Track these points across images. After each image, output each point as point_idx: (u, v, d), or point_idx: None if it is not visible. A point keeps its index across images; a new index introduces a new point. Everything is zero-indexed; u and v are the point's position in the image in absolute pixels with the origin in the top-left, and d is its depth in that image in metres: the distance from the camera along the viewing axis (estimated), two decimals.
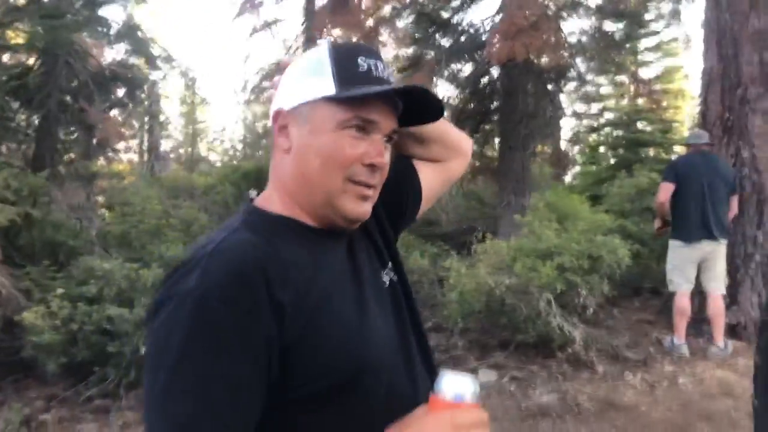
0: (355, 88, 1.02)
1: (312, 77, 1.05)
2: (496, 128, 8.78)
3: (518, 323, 5.18)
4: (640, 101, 10.25)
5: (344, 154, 1.02)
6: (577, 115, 11.52)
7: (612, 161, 9.35)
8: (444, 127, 1.32)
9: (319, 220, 1.08)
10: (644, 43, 11.11)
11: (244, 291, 0.92)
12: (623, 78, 10.65)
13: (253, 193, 1.15)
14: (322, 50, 1.07)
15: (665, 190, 5.51)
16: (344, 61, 1.04)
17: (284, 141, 1.07)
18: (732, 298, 5.74)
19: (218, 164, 18.23)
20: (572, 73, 8.34)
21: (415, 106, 1.10)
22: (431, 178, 1.32)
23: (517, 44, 6.60)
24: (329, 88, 1.03)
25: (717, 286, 5.42)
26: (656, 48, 11.83)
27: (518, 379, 5.18)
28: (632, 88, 10.73)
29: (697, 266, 5.39)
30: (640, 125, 9.33)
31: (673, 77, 12.70)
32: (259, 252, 0.96)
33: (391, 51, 10.07)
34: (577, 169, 11.26)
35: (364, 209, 1.07)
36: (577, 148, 11.77)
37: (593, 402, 4.73)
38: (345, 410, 0.98)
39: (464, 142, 1.38)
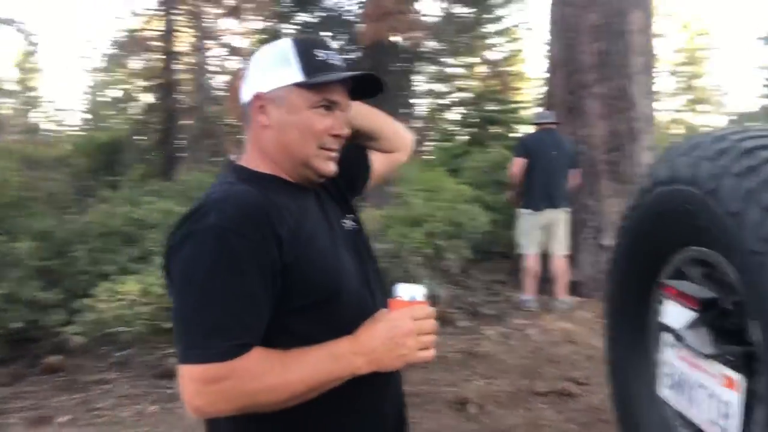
0: (318, 75, 1.30)
1: (281, 67, 1.32)
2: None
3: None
4: (490, 82, 11.03)
5: (316, 128, 1.31)
6: (433, 94, 12.15)
7: (466, 138, 10.08)
8: (392, 127, 1.65)
9: (295, 177, 1.36)
10: (492, 27, 11.94)
11: (253, 226, 1.19)
12: (475, 60, 11.39)
13: (233, 157, 1.41)
14: (285, 45, 1.35)
15: (517, 164, 6.14)
16: (305, 54, 1.32)
17: (264, 118, 1.33)
18: (572, 259, 6.51)
19: (61, 134, 17.15)
20: (429, 54, 8.82)
21: (363, 85, 1.39)
22: (379, 165, 1.64)
23: (383, 26, 6.94)
24: (298, 76, 1.30)
25: (560, 248, 6.13)
26: (502, 33, 12.73)
27: None
28: (482, 69, 11.50)
29: (542, 231, 6.07)
30: (490, 105, 10.11)
31: (515, 61, 13.72)
32: (260, 198, 1.24)
33: (253, 25, 10.05)
34: (433, 144, 11.94)
35: (332, 167, 1.36)
36: (432, 125, 12.45)
37: (456, 353, 5.26)
38: (326, 318, 1.27)
39: (407, 139, 1.70)
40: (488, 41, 12.38)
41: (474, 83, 11.80)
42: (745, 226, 1.22)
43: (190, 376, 1.16)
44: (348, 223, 1.45)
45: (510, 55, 13.41)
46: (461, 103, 11.47)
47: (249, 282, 1.17)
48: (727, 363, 1.39)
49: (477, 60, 11.09)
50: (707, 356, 1.43)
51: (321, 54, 1.33)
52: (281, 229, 1.22)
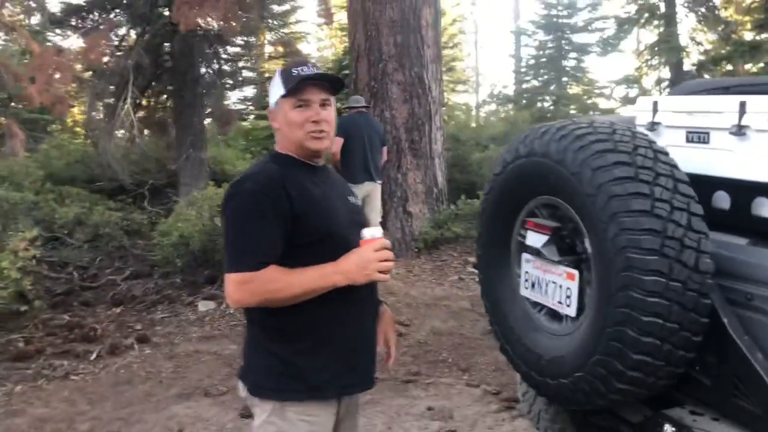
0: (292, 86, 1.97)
1: (275, 88, 2.01)
2: (173, 87, 9.21)
3: None
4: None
5: (298, 121, 1.98)
6: (242, 77, 12.36)
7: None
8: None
9: (303, 156, 2.02)
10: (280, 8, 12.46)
11: (274, 190, 1.88)
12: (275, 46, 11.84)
13: (274, 146, 2.10)
14: (277, 72, 2.05)
15: (337, 143, 6.93)
16: (285, 74, 2.01)
17: (275, 124, 2.06)
18: (383, 224, 7.49)
19: None
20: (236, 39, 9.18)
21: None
22: None
23: (200, 12, 7.24)
24: (282, 91, 1.98)
25: (375, 216, 7.06)
26: (289, 14, 13.31)
27: None
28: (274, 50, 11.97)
29: (362, 202, 6.95)
30: None
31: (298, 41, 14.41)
32: (280, 172, 1.94)
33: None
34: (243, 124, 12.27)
35: (320, 144, 2.02)
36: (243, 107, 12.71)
37: None
38: (321, 251, 1.92)
39: None
40: (278, 21, 12.87)
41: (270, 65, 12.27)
42: (582, 181, 2.09)
43: (230, 280, 1.87)
44: (353, 199, 2.17)
45: (298, 37, 14.08)
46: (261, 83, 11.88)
47: (269, 225, 1.87)
48: (568, 264, 2.29)
49: (277, 47, 11.55)
50: (556, 262, 2.32)
51: (295, 71, 2.00)
52: (292, 191, 1.90)
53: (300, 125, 1.96)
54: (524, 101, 14.83)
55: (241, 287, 1.85)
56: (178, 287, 6.60)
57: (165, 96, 9.66)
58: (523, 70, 16.60)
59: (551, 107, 13.68)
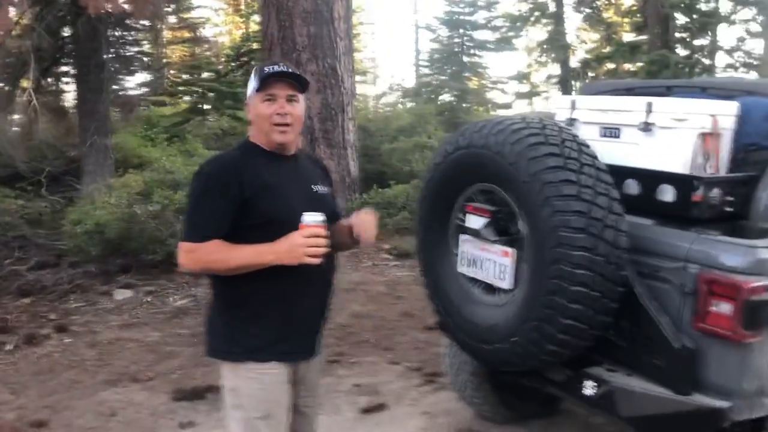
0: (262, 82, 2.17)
1: (251, 83, 2.19)
2: (77, 71, 8.88)
3: (148, 246, 6.05)
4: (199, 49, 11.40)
5: (266, 113, 2.17)
6: (149, 62, 12.02)
7: (186, 106, 10.44)
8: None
9: (270, 147, 2.20)
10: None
11: (228, 175, 2.11)
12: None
13: (248, 134, 2.26)
14: (253, 70, 2.25)
15: None
16: (259, 72, 2.19)
17: (249, 114, 2.23)
18: None
19: None
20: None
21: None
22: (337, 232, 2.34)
23: None
24: (255, 86, 2.16)
25: None
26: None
27: (153, 292, 6.10)
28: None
29: None
30: (205, 74, 10.59)
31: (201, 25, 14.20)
32: (238, 159, 2.17)
33: None
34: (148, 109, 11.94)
35: (284, 138, 2.19)
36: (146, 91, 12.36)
37: None
38: (265, 232, 2.09)
39: None
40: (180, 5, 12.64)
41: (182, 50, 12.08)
42: (519, 170, 2.39)
43: (180, 247, 2.14)
44: (318, 188, 2.31)
45: (198, 22, 13.88)
46: (175, 68, 11.67)
47: (218, 205, 2.09)
48: (503, 244, 2.59)
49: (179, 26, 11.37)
50: (493, 242, 2.61)
51: (267, 69, 2.20)
52: (245, 178, 2.11)
53: (267, 117, 2.15)
54: (428, 95, 15.33)
55: (187, 255, 2.12)
56: (91, 276, 6.46)
57: (66, 80, 9.29)
58: (426, 64, 17.10)
59: (454, 102, 14.21)
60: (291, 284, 2.17)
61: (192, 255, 2.11)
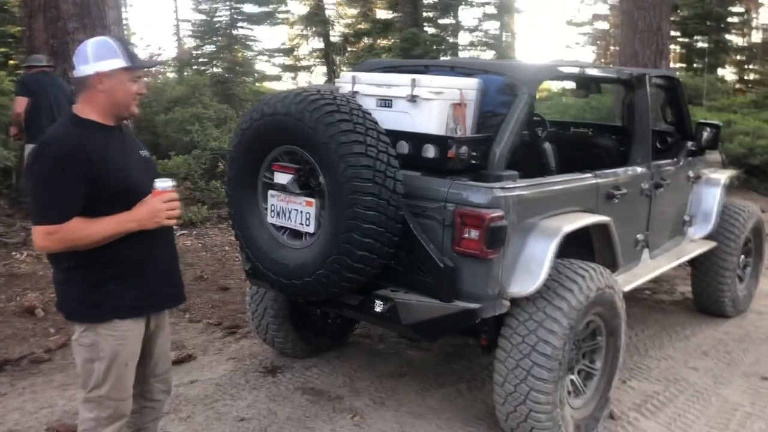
0: (135, 63, 2.39)
1: (113, 57, 2.34)
2: None
3: None
4: None
5: (133, 91, 2.41)
6: None
7: None
8: None
9: (110, 120, 2.41)
10: None
11: (76, 155, 2.25)
12: None
13: (73, 108, 2.41)
14: (111, 42, 2.38)
15: (21, 103, 6.70)
16: (125, 50, 2.38)
17: (101, 86, 2.34)
18: None
19: None
20: None
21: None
22: None
23: None
24: (124, 63, 2.35)
25: None
26: None
27: None
28: None
29: None
30: None
31: None
32: (82, 137, 2.31)
33: None
34: None
35: (136, 110, 2.49)
36: None
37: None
38: (118, 203, 2.34)
39: None
40: None
41: None
42: (317, 133, 2.92)
43: (38, 231, 2.30)
44: (143, 153, 2.60)
45: None
46: None
47: (71, 184, 2.24)
48: (307, 195, 3.12)
49: None
50: (297, 194, 3.13)
51: (131, 49, 2.44)
52: (93, 155, 2.30)
53: (132, 95, 2.41)
54: (198, 66, 15.21)
55: (49, 237, 2.25)
56: None
57: None
58: (195, 35, 16.85)
59: (226, 74, 14.29)
60: (147, 243, 2.42)
61: (54, 236, 2.24)
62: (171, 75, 15.09)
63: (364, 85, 3.52)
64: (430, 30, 19.06)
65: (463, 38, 20.62)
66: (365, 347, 4.62)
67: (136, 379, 2.55)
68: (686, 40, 18.97)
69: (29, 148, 6.79)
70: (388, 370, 4.23)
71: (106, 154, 2.33)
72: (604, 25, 25.32)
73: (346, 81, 3.59)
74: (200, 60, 15.97)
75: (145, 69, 2.48)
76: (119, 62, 2.35)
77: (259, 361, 4.33)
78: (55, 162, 2.23)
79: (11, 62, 11.58)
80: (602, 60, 24.87)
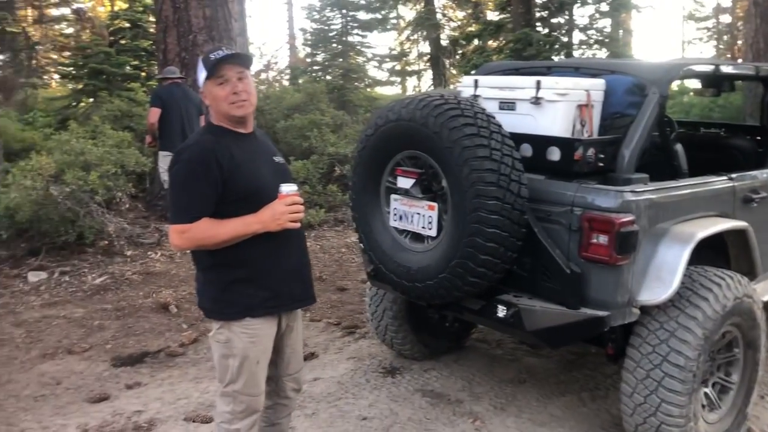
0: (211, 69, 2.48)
1: (200, 72, 2.47)
2: None
3: (59, 227, 6.13)
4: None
5: (221, 95, 2.47)
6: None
7: (79, 87, 10.13)
8: None
9: (232, 126, 2.52)
10: None
11: (207, 159, 2.37)
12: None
13: (209, 117, 2.56)
14: (199, 60, 2.53)
15: (154, 114, 7.18)
16: (205, 60, 2.48)
17: (206, 100, 2.51)
18: None
19: None
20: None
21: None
22: None
23: None
24: (205, 74, 2.44)
25: None
26: None
27: (68, 272, 6.19)
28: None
29: None
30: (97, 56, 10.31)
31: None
32: (212, 143, 2.43)
33: None
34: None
35: (243, 111, 2.50)
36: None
37: (136, 274, 6.21)
38: (247, 206, 2.44)
39: None
40: None
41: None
42: (441, 138, 2.94)
43: (172, 230, 2.43)
44: (278, 159, 2.69)
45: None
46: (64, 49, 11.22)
47: (202, 187, 2.37)
48: (429, 199, 3.15)
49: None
50: (420, 198, 3.17)
51: (212, 56, 2.48)
52: (223, 161, 2.41)
53: (224, 98, 2.44)
54: (314, 74, 15.67)
55: (181, 236, 2.38)
56: None
57: None
58: (309, 43, 17.40)
59: (341, 81, 14.64)
60: (276, 246, 2.50)
61: (185, 235, 2.37)
62: (286, 83, 15.62)
63: (486, 89, 3.51)
64: (543, 30, 18.64)
65: (576, 37, 20.02)
66: (483, 352, 4.59)
67: (269, 377, 2.66)
68: None
69: (162, 155, 7.27)
70: (508, 375, 4.18)
71: (236, 159, 2.43)
72: (728, 19, 23.87)
73: (467, 85, 3.60)
74: (314, 67, 16.45)
75: (226, 70, 2.45)
76: (203, 73, 2.46)
77: (378, 362, 4.41)
78: (188, 166, 2.38)
79: (143, 74, 12.38)
80: (727, 55, 23.42)
